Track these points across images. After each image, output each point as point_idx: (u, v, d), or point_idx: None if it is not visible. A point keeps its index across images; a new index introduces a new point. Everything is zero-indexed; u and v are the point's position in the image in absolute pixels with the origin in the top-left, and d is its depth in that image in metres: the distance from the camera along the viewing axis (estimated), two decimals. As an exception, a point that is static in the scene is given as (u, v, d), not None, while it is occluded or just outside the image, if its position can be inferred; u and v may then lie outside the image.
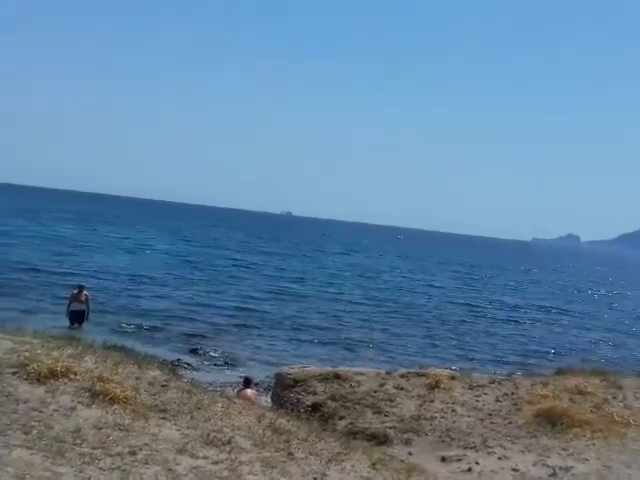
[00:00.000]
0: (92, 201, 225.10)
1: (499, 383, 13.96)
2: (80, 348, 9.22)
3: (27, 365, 8.07)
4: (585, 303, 60.45)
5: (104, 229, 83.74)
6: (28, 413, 7.15)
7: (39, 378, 7.89)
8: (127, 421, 7.50)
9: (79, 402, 7.66)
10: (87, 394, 7.85)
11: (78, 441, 6.81)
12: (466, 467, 10.06)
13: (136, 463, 6.68)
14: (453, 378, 14.04)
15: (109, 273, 41.96)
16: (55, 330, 12.75)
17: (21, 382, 7.77)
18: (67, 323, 22.95)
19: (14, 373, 7.93)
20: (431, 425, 11.99)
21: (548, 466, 10.12)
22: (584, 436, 11.35)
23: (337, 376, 13.98)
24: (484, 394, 13.32)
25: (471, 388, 13.57)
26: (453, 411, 12.52)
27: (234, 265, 57.18)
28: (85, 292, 23.75)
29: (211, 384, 17.13)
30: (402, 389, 13.41)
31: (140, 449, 6.97)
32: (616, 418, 12.06)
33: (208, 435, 7.77)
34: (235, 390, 15.06)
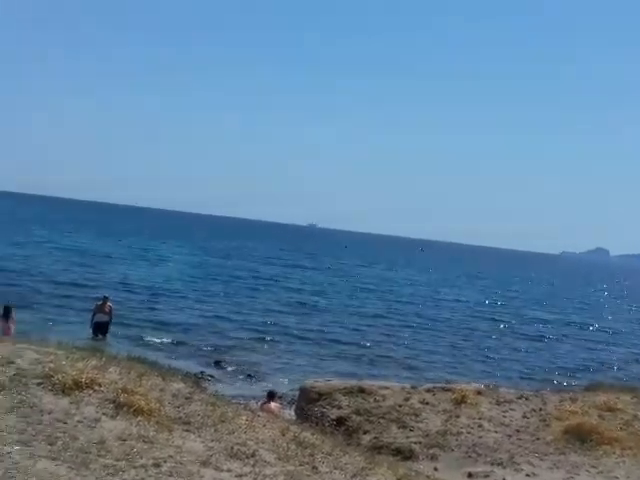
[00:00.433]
0: (111, 212, 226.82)
1: (527, 399, 13.78)
2: (104, 359, 9.22)
3: (52, 376, 8.06)
4: (615, 318, 59.65)
5: (127, 240, 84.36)
6: (53, 424, 7.13)
7: (64, 389, 7.88)
8: (151, 433, 7.46)
9: (103, 413, 7.63)
10: (111, 405, 7.82)
11: (102, 452, 6.77)
12: (493, 484, 9.92)
13: (160, 475, 6.62)
14: (480, 393, 13.89)
15: (132, 285, 42.19)
16: (79, 341, 12.79)
17: (46, 393, 7.76)
18: (91, 334, 23.04)
19: (39, 384, 7.93)
20: (457, 440, 11.85)
21: (577, 484, 9.95)
22: (614, 453, 11.17)
23: (362, 390, 13.88)
24: (511, 410, 13.16)
25: (498, 403, 13.41)
26: (480, 426, 12.37)
27: (256, 277, 57.22)
28: (109, 303, 23.85)
29: (235, 397, 17.08)
30: (428, 404, 13.28)
31: (164, 461, 6.92)
32: (647, 436, 11.84)
33: (232, 448, 7.70)
34: (259, 403, 14.99)
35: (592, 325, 51.96)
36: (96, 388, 8.10)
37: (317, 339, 31.97)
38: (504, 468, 10.57)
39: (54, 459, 6.42)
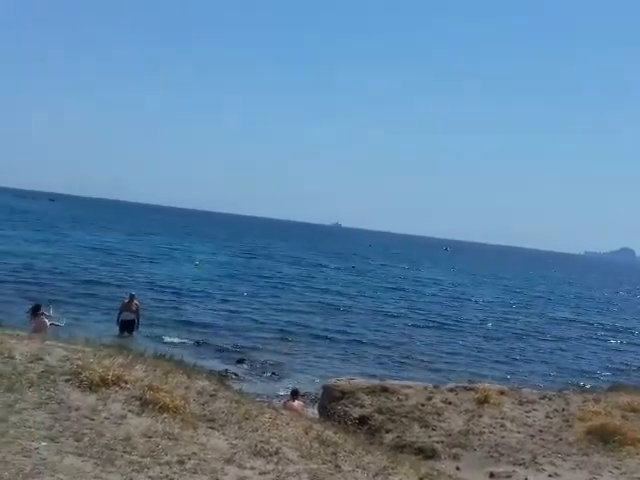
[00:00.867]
0: (134, 211, 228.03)
1: (549, 399, 13.76)
2: (131, 357, 9.34)
3: (80, 373, 8.21)
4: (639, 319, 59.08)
5: (153, 239, 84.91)
6: (80, 420, 7.26)
7: (91, 386, 8.02)
8: (176, 430, 7.57)
9: (129, 410, 7.76)
10: (137, 402, 7.95)
11: (128, 449, 6.88)
12: (515, 484, 9.93)
13: (184, 472, 6.72)
14: (502, 393, 13.88)
15: (157, 283, 42.45)
16: (106, 339, 12.93)
17: (73, 390, 7.90)
18: (117, 332, 23.24)
19: (67, 380, 8.07)
20: (479, 440, 11.86)
21: (600, 484, 9.93)
22: (637, 454, 11.14)
23: (384, 389, 13.93)
24: (534, 410, 13.14)
25: (521, 404, 13.40)
26: (502, 426, 12.38)
27: (280, 277, 57.31)
28: (135, 301, 24.03)
29: (258, 395, 17.20)
30: (450, 403, 13.30)
31: (189, 458, 7.02)
32: (670, 437, 11.77)
33: (256, 446, 7.79)
34: (282, 401, 15.08)
35: (616, 326, 51.47)
36: (122, 385, 8.23)
37: (340, 339, 31.99)
38: (526, 468, 10.57)
39: (81, 455, 6.54)
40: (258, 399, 12.13)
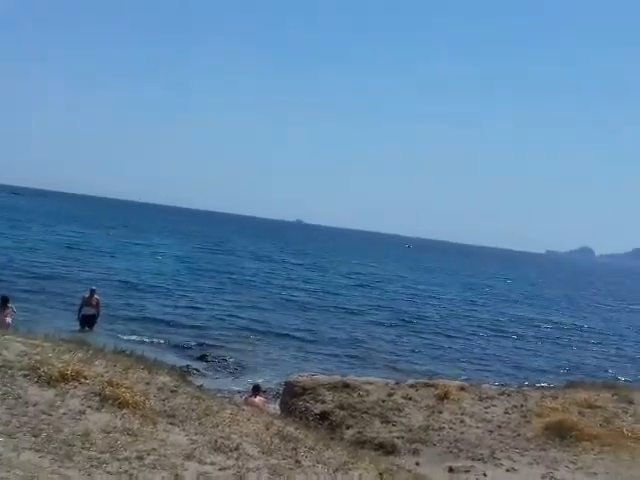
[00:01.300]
0: (97, 205, 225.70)
1: (508, 395, 13.92)
2: (91, 352, 9.26)
3: (38, 368, 8.11)
4: (595, 318, 60.07)
5: (115, 234, 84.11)
6: (38, 416, 7.18)
7: (49, 381, 7.93)
8: (136, 426, 7.52)
9: (88, 406, 7.68)
10: (97, 398, 7.88)
11: (87, 445, 6.82)
12: (474, 479, 10.05)
13: (144, 468, 6.69)
14: (462, 389, 14.03)
15: (119, 278, 42.08)
16: (66, 334, 12.81)
17: (31, 385, 7.80)
18: (78, 327, 23.00)
19: (25, 376, 7.97)
20: (439, 436, 11.97)
21: (556, 479, 10.08)
22: (593, 450, 11.31)
23: (346, 385, 13.98)
24: (493, 406, 13.29)
25: (480, 399, 13.55)
26: (462, 422, 12.50)
27: (243, 273, 57.16)
28: (96, 296, 23.79)
29: (220, 391, 17.17)
30: (411, 399, 13.40)
31: (148, 454, 6.98)
32: (626, 433, 12.01)
33: (216, 441, 7.77)
34: (244, 397, 15.07)
35: (575, 325, 52.27)
36: (82, 381, 8.14)
37: (302, 336, 32.02)
38: (485, 463, 10.70)
39: (38, 451, 6.47)
40: (219, 395, 12.11)
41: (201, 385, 11.78)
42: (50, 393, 7.73)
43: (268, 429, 8.75)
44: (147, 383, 8.75)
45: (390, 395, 13.55)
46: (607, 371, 32.77)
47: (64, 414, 7.38)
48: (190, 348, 26.25)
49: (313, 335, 32.36)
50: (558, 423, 12.01)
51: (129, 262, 53.03)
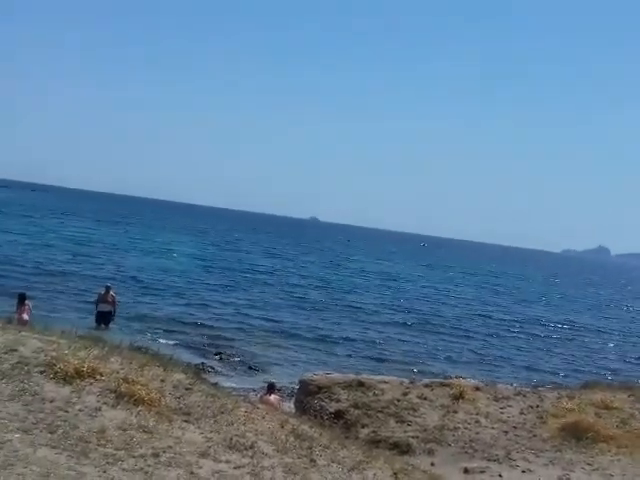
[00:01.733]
0: (111, 201, 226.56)
1: (524, 395, 13.85)
2: (106, 349, 9.28)
3: (54, 365, 8.13)
4: (612, 318, 59.67)
5: (132, 231, 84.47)
6: (54, 412, 7.21)
7: (65, 378, 7.95)
8: (151, 423, 7.53)
9: (104, 403, 7.71)
10: (112, 395, 7.90)
11: (102, 442, 6.84)
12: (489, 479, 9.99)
13: (159, 465, 6.70)
14: (478, 389, 13.97)
15: (135, 276, 42.23)
16: (82, 330, 12.81)
17: (48, 381, 7.83)
18: (94, 324, 23.08)
19: (41, 372, 8.00)
20: (454, 436, 11.93)
21: (572, 481, 10.02)
22: (609, 451, 11.24)
23: (361, 384, 13.96)
24: (509, 406, 13.23)
25: (496, 400, 13.49)
26: (477, 422, 12.45)
27: (258, 271, 57.19)
28: (112, 293, 23.87)
29: (235, 389, 17.19)
30: (426, 399, 13.36)
31: (163, 451, 6.99)
32: (642, 434, 11.90)
33: (231, 439, 7.77)
34: (258, 395, 15.06)
35: (589, 324, 51.96)
36: (98, 377, 8.17)
37: (317, 335, 31.98)
38: (500, 464, 10.65)
39: (54, 447, 6.50)
40: (234, 393, 12.10)
41: (216, 383, 11.80)
42: (66, 390, 7.75)
43: (283, 427, 8.74)
44: (162, 380, 8.76)
45: (405, 394, 13.52)
46: (623, 372, 32.51)
47: (80, 411, 7.40)
48: (205, 346, 26.28)
49: (327, 334, 32.29)
50: (574, 424, 11.93)
51: (144, 260, 53.23)
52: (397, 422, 12.52)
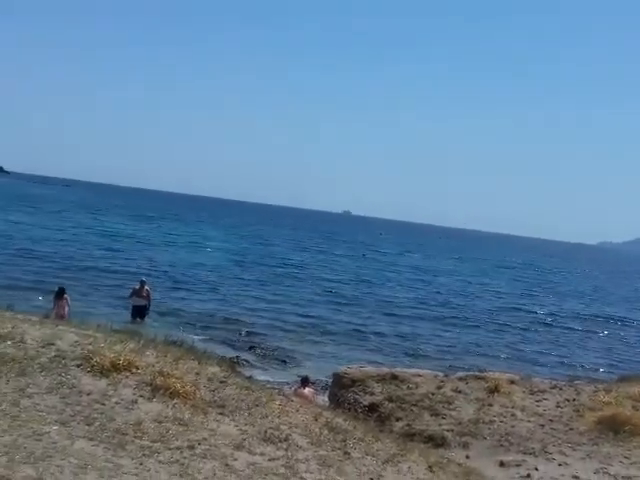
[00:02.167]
0: (143, 197, 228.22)
1: (560, 389, 13.71)
2: (142, 343, 9.36)
3: (91, 358, 8.22)
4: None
5: (165, 226, 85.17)
6: (91, 405, 7.29)
7: (102, 371, 8.04)
8: (186, 416, 7.58)
9: (140, 396, 7.77)
10: (148, 388, 7.96)
11: (139, 434, 6.90)
12: (525, 473, 9.91)
13: (194, 457, 6.74)
14: (513, 382, 13.86)
15: (169, 270, 42.58)
16: (117, 325, 12.95)
17: (84, 374, 7.92)
18: (129, 318, 23.30)
19: (78, 365, 8.09)
20: (490, 429, 11.85)
21: (610, 474, 9.91)
22: (647, 445, 11.07)
23: (394, 377, 13.93)
24: (545, 399, 13.11)
25: (532, 393, 13.37)
26: (512, 415, 12.36)
27: (291, 265, 57.33)
28: (146, 287, 24.05)
29: (269, 382, 17.22)
30: (460, 392, 13.29)
31: (199, 444, 7.03)
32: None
33: (265, 432, 7.80)
34: (293, 388, 15.10)
35: (626, 317, 51.30)
36: (133, 371, 8.24)
37: (351, 328, 31.97)
38: (536, 457, 10.55)
39: (91, 439, 6.57)
40: (269, 386, 12.13)
41: (250, 376, 11.84)
42: (103, 383, 7.84)
43: (317, 420, 8.75)
44: (197, 373, 8.82)
45: (439, 388, 13.46)
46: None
47: (116, 403, 7.48)
48: (239, 340, 26.41)
49: (360, 328, 32.24)
50: (611, 417, 11.78)
51: (178, 255, 53.60)
52: (431, 415, 12.47)
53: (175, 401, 7.83)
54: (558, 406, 12.84)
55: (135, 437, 6.82)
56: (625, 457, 10.60)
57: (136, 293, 23.84)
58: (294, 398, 10.14)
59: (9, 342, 8.33)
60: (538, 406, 12.81)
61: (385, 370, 14.63)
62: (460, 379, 13.92)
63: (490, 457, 10.66)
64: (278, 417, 8.37)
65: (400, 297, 45.29)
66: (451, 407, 12.71)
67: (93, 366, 8.08)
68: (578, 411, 12.53)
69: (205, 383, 8.63)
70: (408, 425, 12.18)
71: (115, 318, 21.49)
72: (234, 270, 48.74)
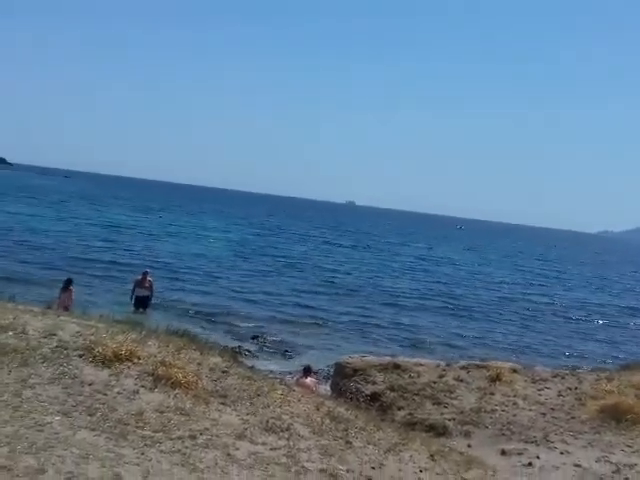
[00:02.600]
0: (147, 187, 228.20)
1: (562, 377, 13.71)
2: (144, 333, 9.38)
3: (93, 348, 8.24)
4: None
5: (167, 217, 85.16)
6: (93, 395, 7.30)
7: (104, 361, 8.05)
8: (188, 406, 7.60)
9: (142, 386, 7.79)
10: (150, 378, 7.98)
11: (140, 424, 6.92)
12: (527, 461, 9.90)
13: (196, 447, 6.76)
14: (515, 371, 13.86)
15: (172, 261, 42.60)
16: (119, 315, 12.93)
17: (86, 365, 7.94)
18: (132, 308, 23.31)
19: (80, 356, 8.11)
20: (491, 418, 11.86)
21: (611, 463, 9.89)
22: (650, 433, 11.06)
23: (396, 366, 13.94)
24: (546, 388, 13.11)
25: (533, 382, 13.37)
26: (514, 404, 12.36)
27: (293, 256, 57.21)
28: (149, 278, 24.05)
29: (271, 372, 17.28)
30: (462, 381, 13.29)
31: (200, 433, 7.06)
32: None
33: (267, 421, 7.82)
34: (294, 378, 15.11)
35: (627, 306, 51.31)
36: (135, 361, 8.26)
37: (353, 319, 31.94)
38: (538, 446, 10.54)
39: (93, 429, 6.59)
40: (270, 376, 12.17)
41: (252, 366, 11.87)
42: (104, 373, 7.85)
43: (319, 410, 8.77)
44: (199, 364, 8.83)
45: (441, 377, 13.47)
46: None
47: (118, 394, 7.49)
48: (242, 329, 26.43)
49: (362, 319, 32.20)
50: (614, 406, 11.77)
51: (180, 245, 53.60)
52: (433, 404, 12.48)
53: (177, 391, 7.85)
54: (560, 395, 12.84)
55: (137, 427, 6.85)
56: (627, 445, 10.60)
57: (139, 284, 23.84)
58: (296, 388, 10.16)
59: (11, 333, 8.34)
60: (540, 395, 12.81)
61: (387, 359, 14.62)
62: (462, 368, 13.91)
63: (492, 446, 10.66)
64: (280, 407, 8.39)
65: (403, 287, 45.24)
66: (453, 396, 12.72)
67: (95, 356, 8.10)
68: (580, 400, 12.53)
69: (207, 373, 8.65)
70: (410, 414, 12.19)
71: (117, 309, 21.54)
72: (237, 261, 48.74)
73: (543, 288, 56.94)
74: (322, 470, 7.13)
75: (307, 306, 33.62)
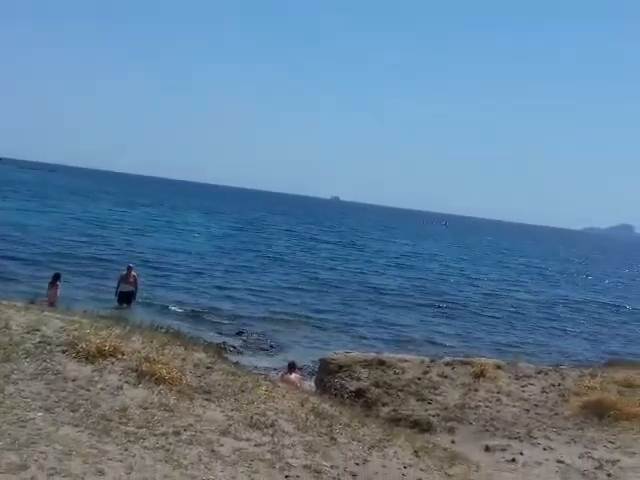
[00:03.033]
0: (133, 182, 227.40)
1: (546, 374, 13.80)
2: (128, 328, 9.35)
3: (76, 344, 8.19)
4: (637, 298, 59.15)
5: (150, 212, 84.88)
6: (76, 391, 7.27)
7: (87, 357, 8.01)
8: (172, 402, 7.58)
9: (126, 382, 7.76)
10: (134, 374, 7.95)
11: (124, 420, 6.90)
12: (510, 457, 9.96)
13: (180, 443, 6.75)
14: (499, 367, 13.93)
15: (155, 256, 42.43)
16: (103, 310, 12.90)
17: (70, 360, 7.89)
18: (116, 304, 23.20)
19: (63, 351, 8.06)
20: (475, 414, 11.91)
21: (594, 459, 9.97)
22: (632, 429, 11.16)
23: (381, 362, 13.97)
24: (530, 384, 13.19)
25: (517, 378, 13.45)
26: (498, 400, 12.43)
27: (277, 252, 57.16)
28: (134, 273, 23.92)
29: (255, 367, 17.24)
30: (446, 377, 13.34)
31: (184, 429, 7.04)
32: (666, 412, 11.79)
33: (252, 418, 7.81)
34: (279, 374, 15.11)
35: (612, 303, 51.66)
36: (119, 356, 8.23)
37: (338, 315, 31.95)
38: (521, 442, 10.61)
39: (76, 425, 6.56)
40: (255, 371, 12.14)
41: (237, 362, 11.86)
42: (88, 369, 7.82)
43: (303, 406, 8.77)
44: (183, 359, 8.81)
45: (426, 373, 13.51)
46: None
47: (102, 389, 7.46)
48: (226, 325, 26.40)
49: (347, 315, 32.23)
50: (596, 402, 11.85)
51: (164, 241, 53.40)
52: (418, 400, 12.52)
53: (161, 387, 7.82)
54: (543, 391, 12.92)
55: (120, 423, 6.82)
56: (610, 442, 10.68)
57: (123, 279, 23.71)
58: (280, 384, 10.15)
59: (-7, 328, 8.28)
60: (523, 391, 12.89)
61: (372, 355, 14.65)
62: (446, 364, 13.97)
63: (475, 442, 10.71)
64: (264, 403, 8.39)
65: (388, 284, 45.24)
66: (437, 392, 12.77)
67: (78, 352, 8.06)
68: (563, 396, 12.62)
69: (191, 369, 8.63)
70: (394, 410, 12.22)
71: (101, 304, 21.45)
72: (221, 256, 48.61)
73: (527, 285, 57.19)
74: (306, 466, 7.13)
75: (292, 302, 33.59)
